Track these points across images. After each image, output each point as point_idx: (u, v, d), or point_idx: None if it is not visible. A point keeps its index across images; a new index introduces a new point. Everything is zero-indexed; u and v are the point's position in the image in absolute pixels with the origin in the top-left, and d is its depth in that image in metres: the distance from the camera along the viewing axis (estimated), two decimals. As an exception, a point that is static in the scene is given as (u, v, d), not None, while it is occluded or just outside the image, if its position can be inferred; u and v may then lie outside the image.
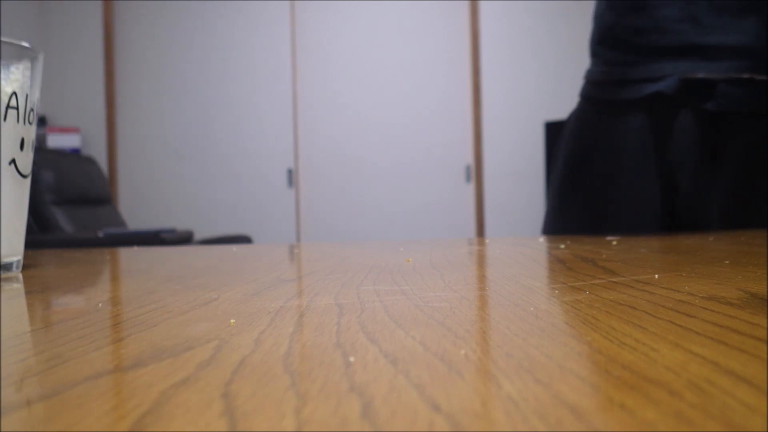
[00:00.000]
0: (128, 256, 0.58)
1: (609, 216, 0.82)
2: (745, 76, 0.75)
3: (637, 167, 0.81)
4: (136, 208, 3.81)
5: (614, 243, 0.54)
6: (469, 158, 3.75)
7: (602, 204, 0.82)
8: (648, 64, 0.80)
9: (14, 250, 0.41)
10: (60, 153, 3.17)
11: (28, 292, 0.32)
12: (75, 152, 3.53)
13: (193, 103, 3.81)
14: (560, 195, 0.86)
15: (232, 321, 0.21)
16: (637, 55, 0.81)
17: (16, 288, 0.34)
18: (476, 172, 3.72)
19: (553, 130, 3.42)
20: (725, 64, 0.76)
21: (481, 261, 0.44)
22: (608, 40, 0.84)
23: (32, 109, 0.42)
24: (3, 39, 0.39)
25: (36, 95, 0.42)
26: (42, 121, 3.62)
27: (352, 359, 0.15)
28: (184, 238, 2.89)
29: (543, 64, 3.65)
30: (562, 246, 0.53)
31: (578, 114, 0.87)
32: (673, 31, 0.78)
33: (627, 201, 0.81)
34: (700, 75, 0.76)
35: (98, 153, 3.79)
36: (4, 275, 0.39)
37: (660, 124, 0.80)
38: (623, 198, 0.82)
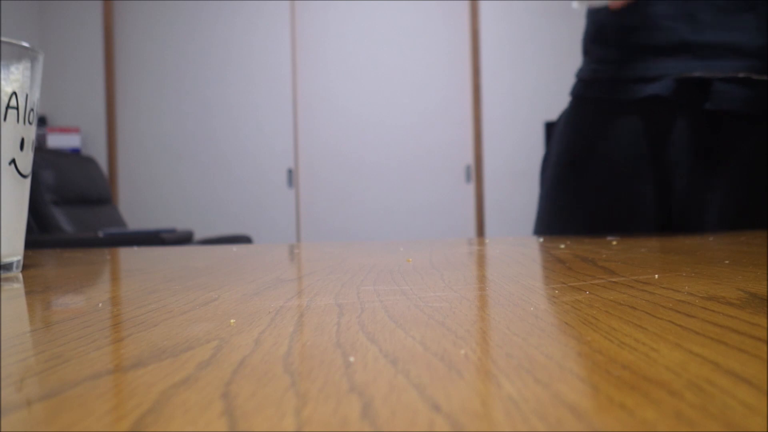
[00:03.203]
0: (128, 256, 0.58)
1: (603, 218, 0.80)
2: (741, 75, 0.74)
3: (632, 169, 0.80)
4: (136, 208, 3.80)
5: (614, 243, 0.54)
6: (469, 158, 3.75)
7: (596, 206, 0.81)
8: (640, 63, 0.78)
9: (14, 250, 0.41)
10: (60, 153, 3.16)
11: (28, 292, 0.32)
12: (75, 152, 3.52)
13: (193, 103, 3.81)
14: (553, 197, 0.84)
15: (232, 321, 0.21)
16: (629, 52, 0.79)
17: (16, 288, 0.34)
18: (476, 172, 3.72)
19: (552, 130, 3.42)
20: (721, 62, 0.75)
21: (481, 261, 0.44)
22: (600, 38, 0.83)
23: (32, 109, 0.42)
24: (3, 39, 0.39)
25: (36, 95, 0.42)
26: (42, 121, 3.62)
27: (352, 359, 0.15)
28: (184, 238, 2.88)
29: (543, 64, 3.65)
30: (562, 246, 0.53)
31: (570, 114, 0.85)
32: (666, 29, 0.77)
33: (621, 203, 0.80)
34: (697, 74, 0.75)
35: (98, 153, 3.79)
36: (4, 275, 0.39)
37: (655, 125, 0.79)
38: (618, 200, 0.80)
